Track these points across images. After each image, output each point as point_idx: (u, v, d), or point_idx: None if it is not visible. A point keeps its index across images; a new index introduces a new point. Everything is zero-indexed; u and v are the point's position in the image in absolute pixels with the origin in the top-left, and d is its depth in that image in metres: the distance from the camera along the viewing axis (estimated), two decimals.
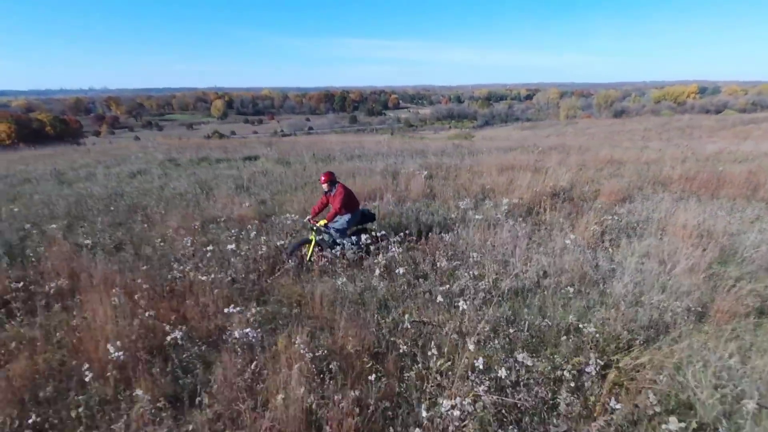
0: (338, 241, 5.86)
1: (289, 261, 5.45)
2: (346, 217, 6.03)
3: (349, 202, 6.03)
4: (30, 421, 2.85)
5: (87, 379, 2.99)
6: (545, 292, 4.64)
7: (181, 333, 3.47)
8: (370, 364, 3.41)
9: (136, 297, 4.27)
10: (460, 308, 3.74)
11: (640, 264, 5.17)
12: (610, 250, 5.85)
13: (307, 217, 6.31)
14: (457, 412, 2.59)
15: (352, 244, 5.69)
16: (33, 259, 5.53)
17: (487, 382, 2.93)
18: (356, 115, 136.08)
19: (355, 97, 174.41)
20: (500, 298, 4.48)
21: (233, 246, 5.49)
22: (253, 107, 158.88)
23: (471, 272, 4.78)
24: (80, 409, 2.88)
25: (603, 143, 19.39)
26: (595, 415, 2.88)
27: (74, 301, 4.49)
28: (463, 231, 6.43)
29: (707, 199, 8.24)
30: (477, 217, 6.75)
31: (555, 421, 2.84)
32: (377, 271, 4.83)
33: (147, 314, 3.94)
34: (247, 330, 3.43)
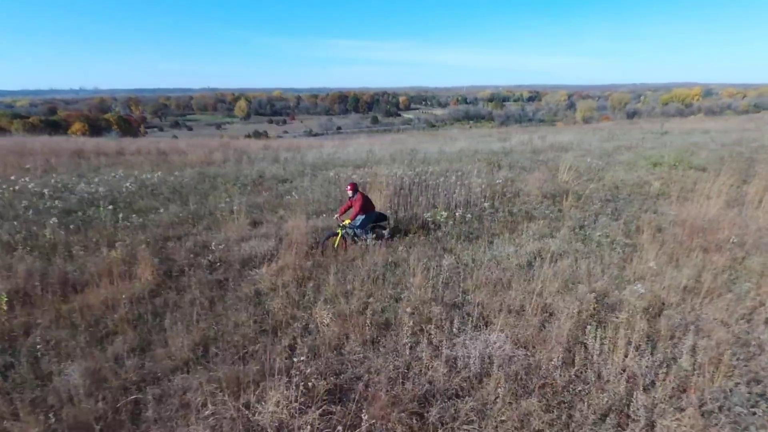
0: (358, 233, 7.58)
1: (320, 247, 7.27)
2: (363, 217, 7.57)
3: (366, 206, 7.53)
4: None
5: None
6: None
7: None
8: None
9: None
10: None
11: None
12: None
13: (336, 216, 8.04)
14: None
15: (366, 237, 7.28)
16: None
17: None
18: (377, 116, 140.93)
19: (367, 99, 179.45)
20: None
21: None
22: (270, 108, 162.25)
23: None
24: None
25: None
26: None
27: None
28: None
29: None
30: None
31: None
32: None
33: None
34: None
